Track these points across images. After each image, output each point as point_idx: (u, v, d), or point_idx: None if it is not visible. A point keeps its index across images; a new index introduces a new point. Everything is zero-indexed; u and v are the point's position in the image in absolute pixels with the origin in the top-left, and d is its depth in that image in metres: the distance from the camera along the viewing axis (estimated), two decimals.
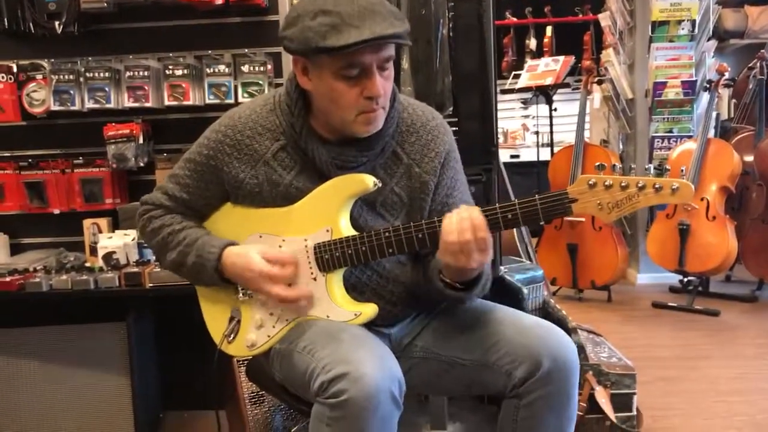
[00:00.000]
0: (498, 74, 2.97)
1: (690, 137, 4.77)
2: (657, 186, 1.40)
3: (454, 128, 1.90)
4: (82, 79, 2.71)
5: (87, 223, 2.78)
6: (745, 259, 4.76)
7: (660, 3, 4.87)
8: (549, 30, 7.41)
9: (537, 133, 7.46)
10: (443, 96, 2.53)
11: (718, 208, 4.39)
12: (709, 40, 4.99)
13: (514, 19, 7.60)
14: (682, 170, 4.34)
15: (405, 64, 2.57)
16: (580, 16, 7.31)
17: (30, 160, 2.82)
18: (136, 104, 2.72)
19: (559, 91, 6.31)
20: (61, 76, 2.71)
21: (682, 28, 4.88)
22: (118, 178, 2.84)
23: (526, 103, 7.89)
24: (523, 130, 8.22)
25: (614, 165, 4.43)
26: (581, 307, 4.68)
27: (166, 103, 2.72)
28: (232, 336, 1.74)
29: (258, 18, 2.78)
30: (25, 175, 2.81)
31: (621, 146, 5.58)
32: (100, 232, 2.76)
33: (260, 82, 2.71)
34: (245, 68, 2.72)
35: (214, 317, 1.79)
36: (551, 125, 6.35)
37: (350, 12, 1.44)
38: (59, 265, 2.67)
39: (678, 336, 3.99)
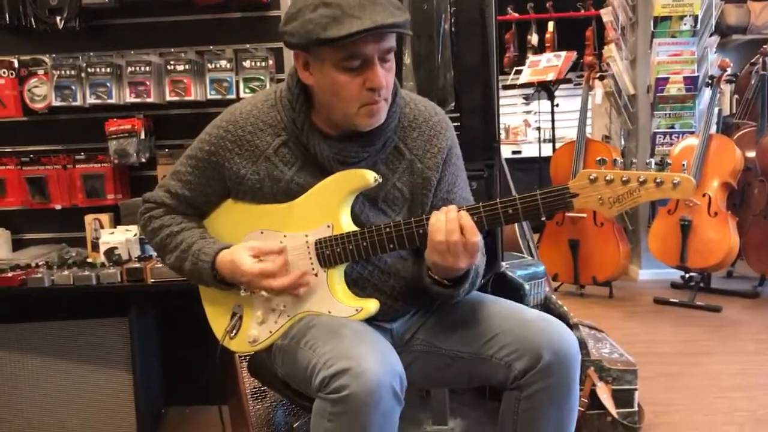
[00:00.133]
0: (500, 70, 2.96)
1: (692, 133, 4.76)
2: (658, 180, 1.40)
3: (455, 123, 1.90)
4: (83, 75, 2.72)
5: (89, 218, 2.79)
6: (746, 255, 4.75)
7: None
8: (551, 25, 7.40)
9: (539, 128, 7.47)
10: (445, 91, 2.53)
11: (719, 204, 4.39)
12: (711, 35, 4.98)
13: (516, 15, 7.58)
14: (683, 165, 4.31)
15: (407, 59, 2.57)
16: (582, 11, 7.29)
17: (31, 156, 2.83)
18: (138, 100, 2.72)
19: (561, 86, 6.31)
20: (63, 72, 2.72)
21: (685, 24, 4.87)
22: (119, 173, 2.84)
23: (527, 98, 7.89)
24: (524, 125, 8.22)
25: (615, 159, 4.39)
26: (583, 303, 4.68)
27: (168, 98, 2.72)
28: (234, 332, 1.74)
29: (259, 13, 2.78)
30: (27, 170, 2.82)
31: (623, 142, 5.58)
32: (102, 227, 2.76)
33: (262, 77, 2.71)
34: (247, 63, 2.72)
35: (216, 313, 1.79)
36: (553, 121, 6.35)
37: (351, 3, 1.44)
38: (61, 261, 2.68)
39: (679, 332, 3.99)
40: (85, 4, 2.65)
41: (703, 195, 4.40)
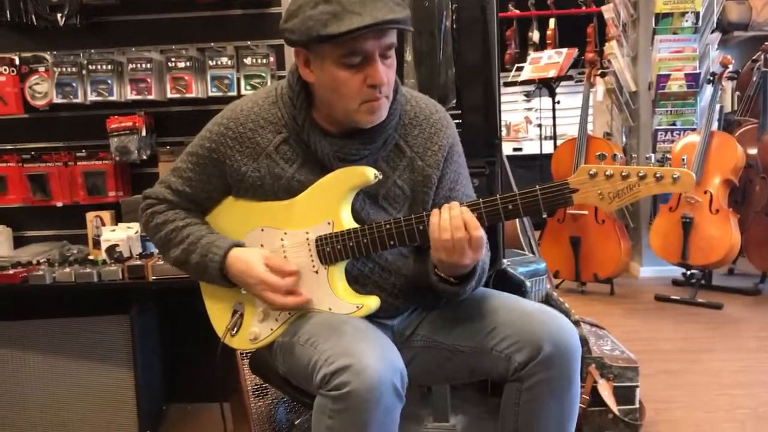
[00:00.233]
0: (501, 67, 2.96)
1: (693, 130, 4.76)
2: (658, 175, 1.40)
3: (457, 121, 1.90)
4: (84, 72, 2.72)
5: (90, 215, 2.79)
6: (748, 252, 4.75)
7: None
8: (552, 22, 7.39)
9: (540, 126, 7.46)
10: (446, 88, 2.52)
11: (721, 201, 4.39)
12: (712, 32, 4.97)
13: (517, 12, 7.58)
14: (683, 159, 4.33)
15: (408, 56, 2.56)
16: (584, 8, 7.28)
17: (33, 153, 2.83)
18: (139, 97, 2.72)
19: (562, 83, 6.31)
20: (64, 69, 2.72)
21: (686, 20, 4.87)
22: (121, 170, 2.84)
23: (528, 95, 7.89)
24: (525, 122, 8.21)
25: (615, 155, 4.42)
26: (584, 300, 4.69)
27: (169, 95, 2.72)
28: (235, 329, 1.74)
29: (260, 10, 2.78)
30: (28, 167, 2.82)
31: (624, 139, 5.58)
32: (103, 224, 2.76)
33: (263, 74, 2.71)
34: (248, 60, 2.72)
35: (218, 310, 1.79)
36: (554, 118, 6.35)
37: (351, 0, 1.44)
38: (62, 258, 2.68)
39: (681, 329, 3.99)
40: (86, 1, 2.65)
41: (705, 192, 4.40)
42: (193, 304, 1.83)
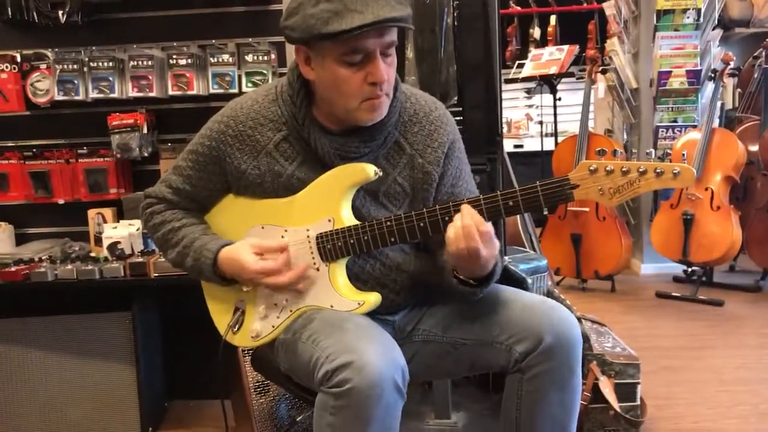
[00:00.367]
0: (502, 64, 2.96)
1: (694, 127, 4.75)
2: (658, 170, 1.40)
3: (458, 118, 1.90)
4: (86, 69, 2.72)
5: (92, 213, 2.79)
6: (749, 249, 4.75)
7: None
8: (553, 19, 7.37)
9: (541, 122, 7.45)
10: (448, 85, 2.53)
11: (722, 198, 4.38)
12: (714, 29, 4.96)
13: (518, 8, 7.56)
14: (683, 154, 4.33)
15: (409, 53, 2.56)
16: (585, 5, 7.27)
17: (34, 150, 2.83)
18: (140, 94, 2.72)
19: (563, 80, 6.28)
20: (65, 66, 2.72)
21: (687, 17, 4.86)
22: (122, 168, 2.84)
23: (529, 92, 7.87)
24: (526, 119, 8.20)
25: (615, 150, 4.40)
26: (585, 297, 4.69)
27: (170, 92, 2.72)
28: (236, 327, 1.74)
29: (262, 7, 2.78)
30: (30, 164, 2.82)
31: (625, 136, 5.57)
32: (105, 222, 2.77)
33: (264, 71, 2.71)
34: (249, 58, 2.72)
35: (219, 308, 1.80)
36: (555, 115, 6.33)
37: None
38: (64, 255, 2.68)
39: (682, 326, 3.99)
40: None
41: (706, 189, 4.39)
42: (195, 301, 1.84)
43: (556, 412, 1.57)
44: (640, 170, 1.41)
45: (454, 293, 1.62)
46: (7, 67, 2.77)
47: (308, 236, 1.63)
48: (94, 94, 2.73)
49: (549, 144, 6.78)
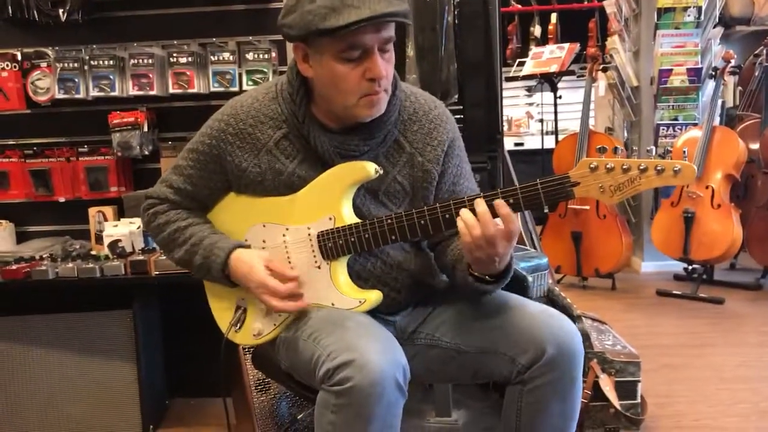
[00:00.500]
0: (502, 62, 2.96)
1: (695, 125, 4.75)
2: (659, 168, 1.39)
3: (458, 116, 1.90)
4: (86, 67, 2.72)
5: (92, 211, 2.80)
6: (749, 247, 4.75)
7: None
8: (554, 17, 7.37)
9: (541, 120, 7.44)
10: (448, 83, 2.53)
11: (723, 196, 4.38)
12: (715, 26, 4.96)
13: (519, 6, 7.55)
14: (684, 152, 4.33)
15: (410, 51, 2.57)
16: (585, 2, 7.26)
17: (35, 149, 2.83)
18: (141, 92, 2.72)
19: (564, 78, 6.27)
20: (66, 64, 2.72)
21: (688, 15, 4.85)
22: (123, 166, 2.85)
23: (530, 90, 7.86)
24: (527, 117, 8.19)
25: (616, 148, 4.42)
26: (585, 295, 4.68)
27: (171, 91, 2.73)
28: (238, 325, 1.75)
29: (262, 5, 2.78)
30: (31, 163, 2.82)
31: (626, 134, 5.57)
32: (106, 220, 2.77)
33: (264, 69, 2.71)
34: (250, 56, 2.72)
35: (221, 306, 1.80)
36: (556, 113, 6.33)
37: None
38: (65, 253, 2.68)
39: (682, 324, 3.99)
40: None
41: (707, 187, 4.39)
42: (196, 299, 1.84)
43: (556, 422, 1.57)
44: (641, 168, 1.40)
45: (467, 291, 1.62)
46: (7, 65, 2.77)
47: (309, 234, 1.63)
48: (94, 93, 2.73)
49: (549, 142, 6.77)
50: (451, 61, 2.51)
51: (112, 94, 2.73)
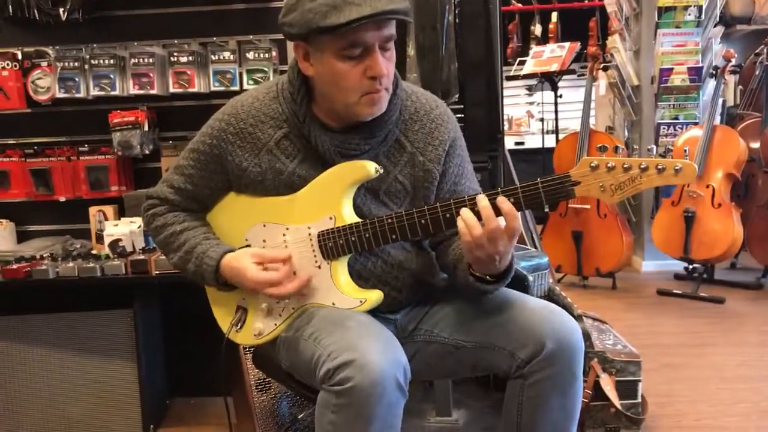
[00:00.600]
0: (503, 61, 2.96)
1: (696, 124, 4.75)
2: (660, 167, 1.39)
3: (459, 115, 1.90)
4: (87, 67, 2.72)
5: (93, 210, 2.80)
6: (750, 247, 4.75)
7: None
8: (554, 16, 7.37)
9: (542, 119, 7.44)
10: (449, 83, 2.53)
11: (723, 196, 4.38)
12: (715, 26, 4.96)
13: (519, 5, 7.55)
14: (685, 151, 4.33)
15: (411, 50, 2.56)
16: (586, 1, 7.27)
17: (35, 148, 2.83)
18: (141, 91, 2.72)
19: (565, 77, 6.28)
20: (66, 64, 2.72)
21: (689, 14, 4.85)
22: (123, 165, 2.84)
23: (531, 89, 7.85)
24: (528, 117, 8.19)
25: (617, 147, 4.41)
26: (586, 294, 4.68)
27: (171, 90, 2.72)
28: (239, 325, 1.75)
29: (262, 4, 2.78)
30: (31, 162, 2.82)
31: (626, 133, 5.56)
32: (106, 219, 2.77)
33: (265, 69, 2.71)
34: (250, 55, 2.72)
35: (221, 306, 1.80)
36: (556, 112, 6.33)
37: None
38: (65, 253, 2.68)
39: (683, 323, 3.99)
40: None
41: (707, 186, 4.39)
42: (197, 298, 1.84)
43: (557, 418, 1.56)
44: (642, 167, 1.40)
45: (468, 290, 1.62)
46: (8, 64, 2.77)
47: (310, 234, 1.63)
48: (95, 92, 2.73)
49: (550, 141, 6.77)
50: (452, 61, 2.51)
51: (113, 93, 2.72)
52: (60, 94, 2.73)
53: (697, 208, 4.41)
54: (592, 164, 1.43)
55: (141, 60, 2.71)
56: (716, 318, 4.07)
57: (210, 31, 2.77)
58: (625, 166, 1.41)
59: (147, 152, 2.80)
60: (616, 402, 2.46)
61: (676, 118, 4.90)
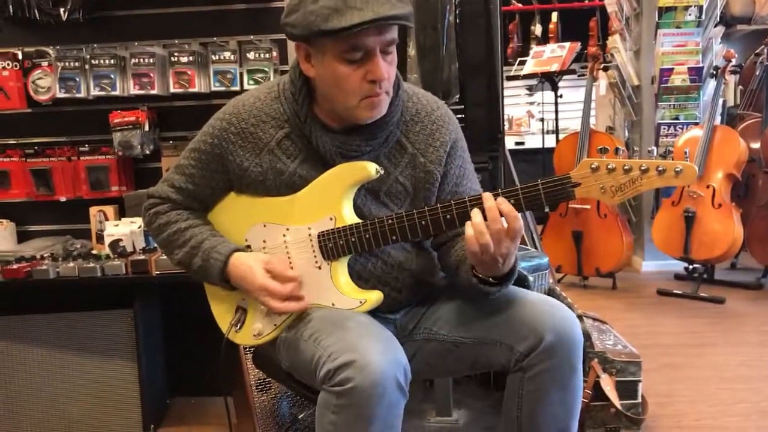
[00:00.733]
0: (503, 61, 2.96)
1: (696, 124, 4.74)
2: (660, 168, 1.39)
3: (460, 116, 1.90)
4: (87, 67, 2.72)
5: (93, 210, 2.80)
6: (750, 247, 4.75)
7: None
8: (554, 16, 7.37)
9: (542, 120, 7.44)
10: (450, 83, 2.53)
11: (723, 196, 4.38)
12: (716, 26, 4.95)
13: (520, 5, 7.55)
14: (685, 152, 4.33)
15: (411, 51, 2.56)
16: (586, 1, 7.26)
17: (36, 148, 2.83)
18: (142, 91, 2.72)
19: (565, 77, 6.28)
20: (67, 64, 2.72)
21: (689, 14, 4.85)
22: (124, 165, 2.84)
23: (531, 89, 7.85)
24: (528, 117, 8.19)
25: (617, 148, 4.41)
26: (586, 294, 4.68)
27: (172, 90, 2.73)
28: (238, 325, 1.75)
29: (263, 5, 2.78)
30: (31, 162, 2.82)
31: (627, 133, 5.56)
32: (107, 219, 2.77)
33: (266, 69, 2.71)
34: (251, 55, 2.72)
35: (221, 307, 1.80)
36: (557, 112, 6.33)
37: None
38: (66, 253, 2.68)
39: (683, 323, 3.99)
40: None
41: (707, 186, 4.39)
42: (197, 298, 1.84)
43: (557, 411, 1.56)
44: (642, 168, 1.40)
45: (471, 292, 1.61)
46: (8, 64, 2.77)
47: (310, 235, 1.63)
48: (95, 92, 2.73)
49: (550, 141, 6.77)
50: (453, 61, 2.51)
51: (113, 93, 2.72)
52: (60, 94, 2.73)
53: (698, 208, 4.41)
54: (592, 166, 1.43)
55: (141, 60, 2.71)
56: (716, 318, 4.07)
57: (210, 31, 2.77)
58: (626, 167, 1.41)
59: (147, 152, 2.80)
60: (617, 402, 2.46)
61: (677, 119, 4.90)
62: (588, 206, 4.65)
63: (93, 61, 2.71)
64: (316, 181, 1.63)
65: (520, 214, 1.47)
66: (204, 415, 2.87)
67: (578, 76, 6.64)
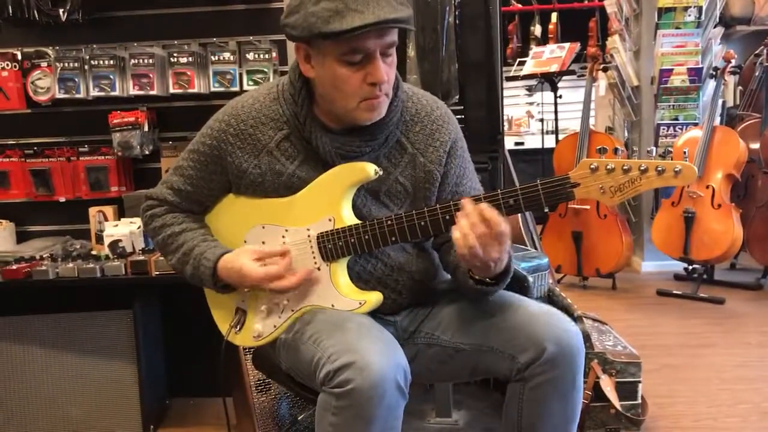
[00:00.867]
0: (503, 61, 2.96)
1: (696, 125, 4.74)
2: (659, 168, 1.39)
3: (459, 116, 1.90)
4: (86, 67, 2.72)
5: (93, 211, 2.79)
6: (750, 247, 4.75)
7: None
8: (554, 16, 7.36)
9: (542, 120, 7.44)
10: (449, 84, 2.53)
11: (723, 196, 4.38)
12: (715, 26, 4.96)
13: (519, 6, 7.55)
14: (684, 152, 4.33)
15: (411, 52, 2.56)
16: (586, 2, 7.26)
17: (35, 148, 2.83)
18: (141, 92, 2.72)
19: (564, 78, 6.27)
20: (66, 64, 2.71)
21: (689, 15, 4.85)
22: (123, 166, 2.84)
23: (530, 90, 7.86)
24: (527, 117, 8.20)
25: (616, 148, 4.41)
26: (586, 295, 4.68)
27: (171, 90, 2.72)
28: (238, 327, 1.74)
29: (263, 5, 2.77)
30: (31, 162, 2.82)
31: (626, 133, 5.57)
32: (106, 220, 2.77)
33: (265, 69, 2.70)
34: (250, 56, 2.71)
35: (220, 308, 1.80)
36: (556, 112, 6.33)
37: None
38: (65, 253, 2.68)
39: (683, 324, 3.99)
40: None
41: (707, 187, 4.39)
42: (197, 299, 1.84)
43: (557, 422, 1.57)
44: (642, 168, 1.40)
45: (469, 293, 1.62)
46: (7, 65, 2.77)
47: (309, 236, 1.63)
48: (95, 92, 2.72)
49: (550, 141, 6.77)
50: (452, 62, 2.51)
51: (113, 93, 2.72)
52: (60, 95, 2.73)
53: (697, 208, 4.41)
54: (591, 166, 1.43)
55: (141, 60, 2.71)
56: (716, 319, 4.07)
57: (210, 32, 2.77)
58: (625, 167, 1.41)
59: (147, 153, 2.79)
60: (616, 403, 2.46)
61: (676, 119, 4.90)
62: (587, 206, 4.64)
63: (92, 62, 2.71)
64: (315, 182, 1.62)
65: (519, 214, 1.47)
66: (203, 416, 2.87)
67: (578, 76, 6.64)
